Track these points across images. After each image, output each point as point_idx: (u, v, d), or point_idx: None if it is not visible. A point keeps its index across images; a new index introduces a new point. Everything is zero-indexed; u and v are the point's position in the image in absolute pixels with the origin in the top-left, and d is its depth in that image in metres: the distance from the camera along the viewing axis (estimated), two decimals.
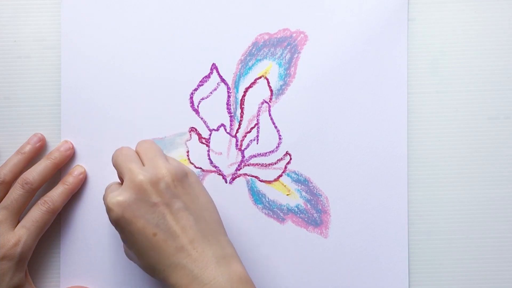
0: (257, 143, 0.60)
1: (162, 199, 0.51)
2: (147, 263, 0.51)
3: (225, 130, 0.60)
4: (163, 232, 0.50)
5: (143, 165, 0.53)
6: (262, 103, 0.60)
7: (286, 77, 0.60)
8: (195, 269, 0.49)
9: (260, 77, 0.60)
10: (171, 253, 0.50)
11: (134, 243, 0.51)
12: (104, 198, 0.52)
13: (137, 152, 0.55)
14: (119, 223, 0.51)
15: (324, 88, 0.60)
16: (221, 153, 0.60)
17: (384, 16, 0.59)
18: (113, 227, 0.59)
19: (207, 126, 0.60)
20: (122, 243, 0.59)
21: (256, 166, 0.60)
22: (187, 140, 0.60)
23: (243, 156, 0.60)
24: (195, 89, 0.60)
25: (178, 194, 0.51)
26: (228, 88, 0.60)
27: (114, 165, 0.54)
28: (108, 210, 0.51)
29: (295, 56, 0.60)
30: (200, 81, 0.60)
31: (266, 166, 0.60)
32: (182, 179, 0.52)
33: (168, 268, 0.50)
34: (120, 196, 0.51)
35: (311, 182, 0.60)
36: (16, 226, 0.56)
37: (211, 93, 0.60)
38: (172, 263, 0.50)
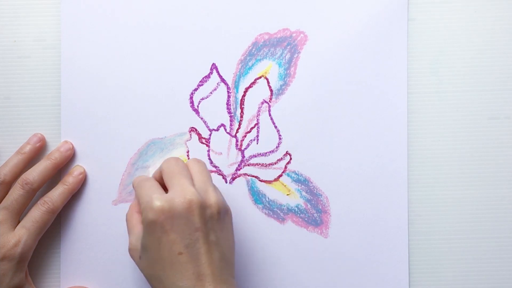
0: (257, 143, 0.60)
1: (203, 226, 0.51)
2: (155, 273, 0.51)
3: (225, 130, 0.60)
4: (189, 255, 0.50)
5: (193, 184, 0.53)
6: (262, 103, 0.60)
7: (286, 77, 0.60)
8: None
9: (260, 77, 0.60)
10: (187, 276, 0.50)
11: (154, 250, 0.51)
12: (147, 195, 0.52)
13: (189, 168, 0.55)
14: (152, 226, 0.51)
15: (324, 88, 0.60)
16: (221, 153, 0.60)
17: (384, 16, 0.59)
18: (113, 228, 0.59)
19: (207, 126, 0.60)
20: (123, 242, 0.59)
21: (256, 166, 0.60)
22: (187, 140, 0.60)
23: (243, 156, 0.60)
24: (195, 89, 0.60)
25: (216, 228, 0.52)
26: (228, 88, 0.60)
27: (162, 169, 0.54)
28: (149, 209, 0.51)
29: (295, 56, 0.60)
30: (200, 81, 0.60)
31: (266, 166, 0.60)
32: (224, 215, 0.53)
33: None
34: (167, 203, 0.51)
35: (311, 182, 0.60)
36: (16, 226, 0.56)
37: (211, 93, 0.60)
38: (184, 286, 0.50)
